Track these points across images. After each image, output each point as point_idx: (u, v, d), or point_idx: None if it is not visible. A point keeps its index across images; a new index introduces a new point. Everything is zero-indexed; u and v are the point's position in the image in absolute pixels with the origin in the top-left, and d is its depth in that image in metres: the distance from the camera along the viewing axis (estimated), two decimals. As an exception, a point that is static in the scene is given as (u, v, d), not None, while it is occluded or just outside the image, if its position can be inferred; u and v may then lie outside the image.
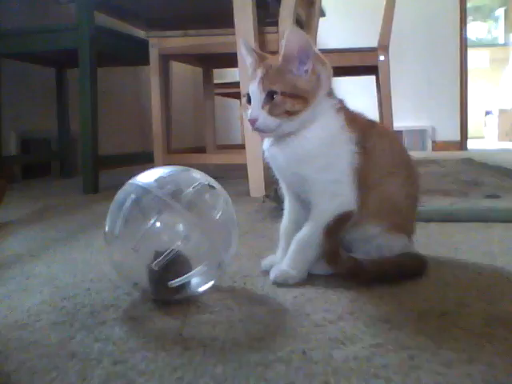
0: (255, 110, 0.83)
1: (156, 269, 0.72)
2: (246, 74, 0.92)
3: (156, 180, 0.76)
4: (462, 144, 5.37)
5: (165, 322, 0.71)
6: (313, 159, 0.85)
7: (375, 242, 0.87)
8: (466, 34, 5.30)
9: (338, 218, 0.85)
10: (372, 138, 0.88)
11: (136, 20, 2.87)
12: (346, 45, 3.07)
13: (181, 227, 0.74)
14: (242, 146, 2.13)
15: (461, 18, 5.25)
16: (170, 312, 0.75)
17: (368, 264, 0.84)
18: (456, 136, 5.37)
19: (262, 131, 0.86)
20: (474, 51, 5.81)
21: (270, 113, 0.83)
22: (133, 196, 0.75)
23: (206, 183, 0.79)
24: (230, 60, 2.13)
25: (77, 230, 1.39)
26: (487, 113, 8.09)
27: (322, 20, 2.99)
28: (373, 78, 2.97)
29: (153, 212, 0.73)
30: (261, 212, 1.59)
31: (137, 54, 2.51)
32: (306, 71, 0.83)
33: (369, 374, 0.54)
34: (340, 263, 0.84)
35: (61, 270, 1.01)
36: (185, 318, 0.72)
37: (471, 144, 5.56)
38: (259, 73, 0.84)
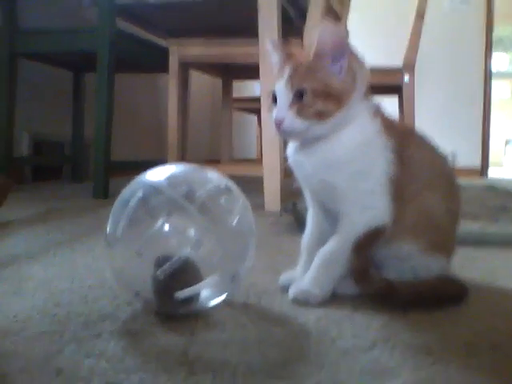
0: (282, 110, 0.74)
1: (161, 277, 0.63)
2: (270, 73, 0.83)
3: (167, 178, 0.67)
4: (482, 171, 5.25)
5: (168, 339, 0.62)
6: (344, 166, 0.75)
7: (410, 261, 0.77)
8: (490, 64, 5.22)
9: (369, 233, 0.75)
10: (410, 147, 0.79)
11: (157, 28, 2.83)
12: (370, 64, 2.99)
13: (192, 232, 0.65)
14: (258, 161, 2.04)
15: (486, 48, 5.18)
16: (174, 327, 0.65)
17: (401, 286, 0.74)
18: (476, 163, 5.25)
19: (288, 135, 0.77)
20: (495, 81, 5.75)
21: (299, 114, 0.74)
22: (139, 194, 0.66)
23: (223, 185, 0.70)
24: (251, 71, 2.06)
25: (81, 234, 1.30)
26: (507, 142, 8.00)
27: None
28: (394, 99, 2.88)
29: (161, 213, 0.64)
30: (277, 226, 1.49)
31: (156, 61, 2.46)
32: (341, 69, 0.74)
33: (415, 419, 0.44)
34: (369, 283, 0.74)
35: (58, 273, 0.92)
36: (192, 336, 0.62)
37: (491, 172, 5.43)
38: (287, 70, 0.75)
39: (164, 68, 2.31)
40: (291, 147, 0.81)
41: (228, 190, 0.71)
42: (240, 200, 0.71)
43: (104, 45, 2.06)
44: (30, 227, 1.38)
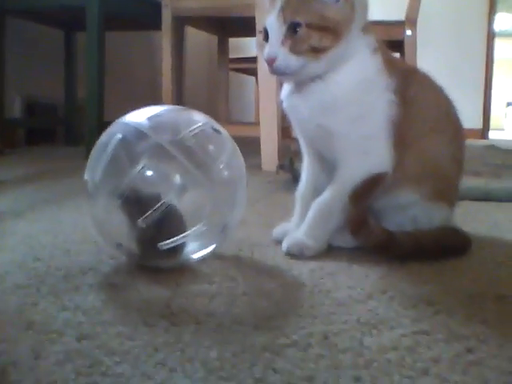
0: (274, 46, 0.68)
1: (143, 226, 0.58)
2: (263, 8, 0.76)
3: (149, 119, 0.62)
4: (483, 133, 5.18)
5: (151, 291, 0.58)
6: (342, 108, 0.70)
7: (412, 211, 0.73)
8: (493, 24, 5.08)
9: (368, 181, 0.70)
10: (413, 86, 0.73)
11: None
12: (371, 18, 2.89)
13: (176, 176, 0.60)
14: (256, 124, 1.98)
15: (490, 7, 5.03)
16: (159, 280, 0.61)
17: (402, 237, 0.70)
18: (477, 125, 5.17)
19: (282, 73, 0.70)
20: (499, 41, 5.60)
21: (292, 50, 0.67)
22: (118, 136, 0.61)
23: (210, 126, 0.64)
24: (248, 27, 1.97)
25: (70, 193, 1.26)
26: (509, 104, 7.86)
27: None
28: (395, 55, 2.79)
29: (142, 156, 0.59)
30: (274, 184, 1.44)
31: (149, 16, 2.36)
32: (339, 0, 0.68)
33: (415, 370, 0.40)
34: (368, 234, 0.70)
35: (43, 229, 0.87)
36: (177, 288, 0.58)
37: (491, 134, 5.35)
38: (279, 1, 0.68)
39: (158, 25, 2.21)
40: (285, 90, 0.75)
41: (216, 131, 0.65)
42: (229, 143, 0.65)
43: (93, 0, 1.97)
44: (18, 187, 1.33)
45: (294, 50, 0.67)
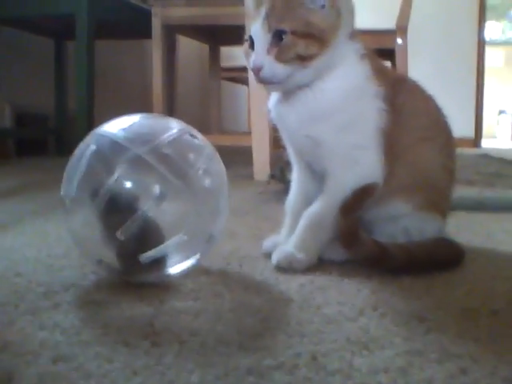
0: (259, 55, 0.66)
1: (122, 238, 0.56)
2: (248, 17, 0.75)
3: (124, 129, 0.59)
4: (476, 142, 5.19)
5: (134, 309, 0.55)
6: (330, 117, 0.68)
7: (403, 222, 0.71)
8: (483, 32, 5.11)
9: (358, 192, 0.69)
10: (403, 94, 0.72)
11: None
12: (361, 26, 2.90)
13: (153, 185, 0.57)
14: (248, 133, 1.97)
15: (480, 16, 5.06)
16: (142, 296, 0.59)
17: (394, 249, 0.68)
18: (470, 133, 5.19)
19: (268, 82, 0.69)
20: (489, 49, 5.65)
21: (278, 58, 0.66)
22: (92, 147, 0.59)
23: (186, 133, 0.62)
24: (239, 36, 1.96)
25: (58, 204, 1.23)
26: (501, 112, 7.90)
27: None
28: (386, 63, 2.79)
29: (118, 166, 0.56)
30: (264, 194, 1.43)
31: (139, 25, 2.35)
32: (323, 5, 0.66)
33: (407, 394, 0.38)
34: (359, 247, 0.68)
35: (26, 243, 0.85)
36: (160, 305, 0.56)
37: (484, 143, 5.37)
38: (263, 9, 0.67)
39: (149, 33, 2.20)
40: (273, 99, 0.74)
41: (193, 137, 0.63)
42: (207, 149, 0.63)
43: (82, 7, 1.95)
44: (5, 199, 1.31)
45: (280, 58, 0.66)
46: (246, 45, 0.70)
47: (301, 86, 0.69)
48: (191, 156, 0.61)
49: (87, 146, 0.59)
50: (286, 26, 0.65)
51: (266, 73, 0.66)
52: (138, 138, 0.58)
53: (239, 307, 0.55)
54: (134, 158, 0.57)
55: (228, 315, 0.53)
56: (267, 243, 0.78)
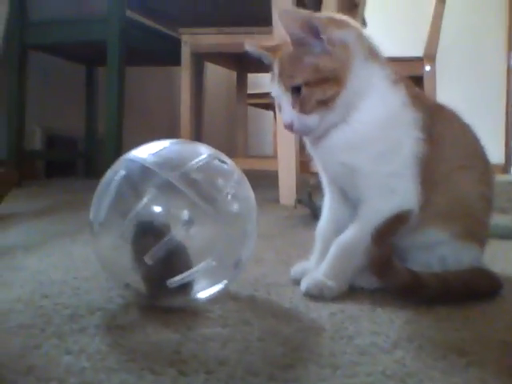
0: (286, 113, 0.68)
1: (150, 263, 0.55)
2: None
3: (153, 154, 0.60)
4: (506, 168, 5.09)
5: (160, 335, 0.54)
6: (367, 146, 0.67)
7: (440, 250, 0.69)
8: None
9: (392, 219, 0.66)
10: (440, 123, 0.70)
11: (169, 19, 2.77)
12: (389, 55, 2.89)
13: (182, 210, 0.57)
14: (274, 157, 1.97)
15: (508, 43, 5.02)
16: (169, 322, 0.57)
17: (428, 278, 0.66)
18: (500, 160, 5.10)
19: (303, 134, 0.70)
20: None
21: (303, 111, 0.67)
22: (122, 172, 0.59)
23: (215, 158, 0.62)
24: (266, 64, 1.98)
25: (85, 226, 1.23)
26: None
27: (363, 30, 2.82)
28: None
29: (147, 191, 0.56)
30: (291, 219, 1.41)
31: (169, 52, 2.40)
32: (324, 46, 0.65)
33: (450, 434, 0.36)
34: (392, 275, 0.66)
35: (53, 264, 0.85)
36: (188, 331, 0.55)
37: (513, 169, 5.27)
38: (275, 70, 0.69)
39: (178, 60, 2.24)
40: None
41: (222, 163, 0.63)
42: (236, 174, 0.62)
43: (114, 34, 2.00)
44: (33, 219, 1.32)
45: (305, 110, 0.67)
46: (275, 102, 0.71)
47: (335, 124, 0.68)
48: (220, 181, 0.60)
49: (117, 171, 0.59)
50: (298, 81, 0.66)
51: (297, 127, 0.68)
52: (167, 163, 0.58)
53: (268, 336, 0.53)
54: (163, 183, 0.56)
55: (257, 344, 0.51)
56: (296, 270, 0.76)
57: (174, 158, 0.59)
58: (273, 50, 0.71)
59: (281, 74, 0.68)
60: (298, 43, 0.66)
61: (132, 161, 0.60)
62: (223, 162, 0.63)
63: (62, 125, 2.70)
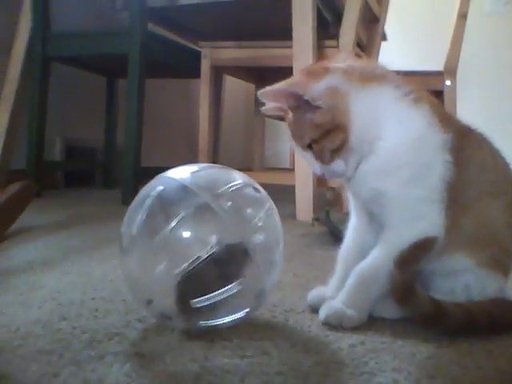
0: (313, 166, 0.71)
1: (178, 279, 0.55)
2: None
3: (191, 174, 0.61)
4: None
5: (179, 364, 0.54)
6: (395, 171, 0.66)
7: (465, 278, 0.67)
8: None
9: (416, 245, 0.65)
10: (470, 146, 0.69)
11: (189, 32, 2.79)
12: (409, 69, 2.87)
13: (214, 232, 0.58)
14: (291, 171, 1.96)
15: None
16: (187, 350, 0.57)
17: (453, 308, 0.64)
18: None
19: (339, 177, 0.71)
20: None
21: (323, 162, 0.69)
22: (160, 188, 0.60)
23: (249, 186, 0.62)
24: (285, 76, 1.98)
25: (102, 241, 1.25)
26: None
27: (383, 44, 2.81)
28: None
29: (181, 210, 0.57)
30: (308, 236, 1.40)
31: (189, 65, 2.41)
32: (313, 105, 0.66)
33: None
34: (414, 303, 0.64)
35: (71, 283, 0.85)
36: (205, 361, 0.54)
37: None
38: (290, 135, 0.72)
39: (197, 73, 2.26)
40: None
41: (255, 191, 0.63)
42: (267, 204, 0.63)
43: (135, 47, 2.02)
44: (51, 233, 1.33)
45: (324, 161, 0.68)
46: None
47: (364, 157, 0.68)
48: (252, 209, 0.61)
49: (154, 187, 0.61)
50: (306, 140, 0.68)
51: (328, 175, 0.70)
52: (204, 184, 0.59)
53: (288, 369, 0.53)
54: (199, 203, 0.58)
55: (276, 379, 0.50)
56: (312, 296, 0.75)
57: (210, 181, 0.61)
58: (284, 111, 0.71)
59: (293, 136, 0.70)
60: (292, 108, 0.68)
61: (171, 179, 0.61)
62: (257, 190, 0.64)
63: (81, 135, 2.73)
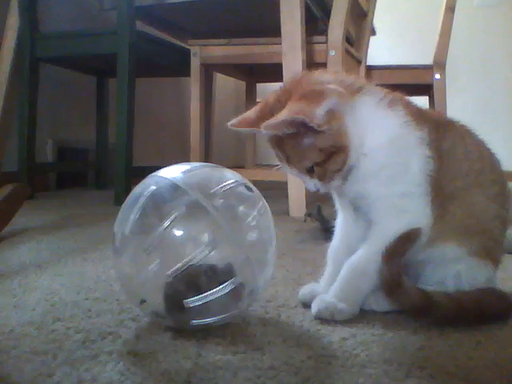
0: (309, 185, 0.70)
1: (170, 280, 0.56)
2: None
3: (183, 173, 0.61)
4: (518, 175, 5.05)
5: (172, 362, 0.54)
6: (377, 174, 0.67)
7: (455, 267, 0.68)
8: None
9: (401, 238, 0.66)
10: (450, 138, 0.70)
11: (178, 30, 2.79)
12: (398, 63, 2.88)
13: (206, 232, 0.58)
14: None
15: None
16: (180, 347, 0.58)
17: (442, 299, 0.65)
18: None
19: (332, 190, 0.73)
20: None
21: (323, 181, 0.68)
22: (152, 188, 0.60)
23: (241, 184, 0.63)
24: (275, 73, 1.99)
25: (95, 242, 1.25)
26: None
27: (372, 38, 2.82)
28: (423, 99, 2.76)
29: (174, 210, 0.58)
30: (301, 232, 1.41)
31: (179, 63, 2.41)
32: (317, 131, 0.64)
33: None
34: (403, 295, 0.65)
35: (65, 284, 0.85)
36: (198, 358, 0.55)
37: (528, 176, 5.22)
38: (280, 155, 0.69)
39: (187, 71, 2.26)
40: None
41: (248, 190, 0.64)
42: (260, 203, 0.63)
43: (124, 47, 2.02)
44: (44, 234, 1.33)
45: (324, 180, 0.68)
46: None
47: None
48: (245, 208, 0.62)
49: (147, 187, 0.61)
50: (308, 164, 0.67)
51: (323, 190, 0.70)
52: (196, 183, 0.59)
53: (280, 364, 0.53)
54: (191, 202, 0.58)
55: (268, 373, 0.51)
56: (304, 291, 0.75)
57: (202, 180, 0.61)
58: (256, 124, 0.68)
59: (289, 161, 0.68)
60: (290, 135, 0.65)
61: (163, 178, 0.61)
62: (249, 189, 0.64)
63: (72, 136, 2.72)
